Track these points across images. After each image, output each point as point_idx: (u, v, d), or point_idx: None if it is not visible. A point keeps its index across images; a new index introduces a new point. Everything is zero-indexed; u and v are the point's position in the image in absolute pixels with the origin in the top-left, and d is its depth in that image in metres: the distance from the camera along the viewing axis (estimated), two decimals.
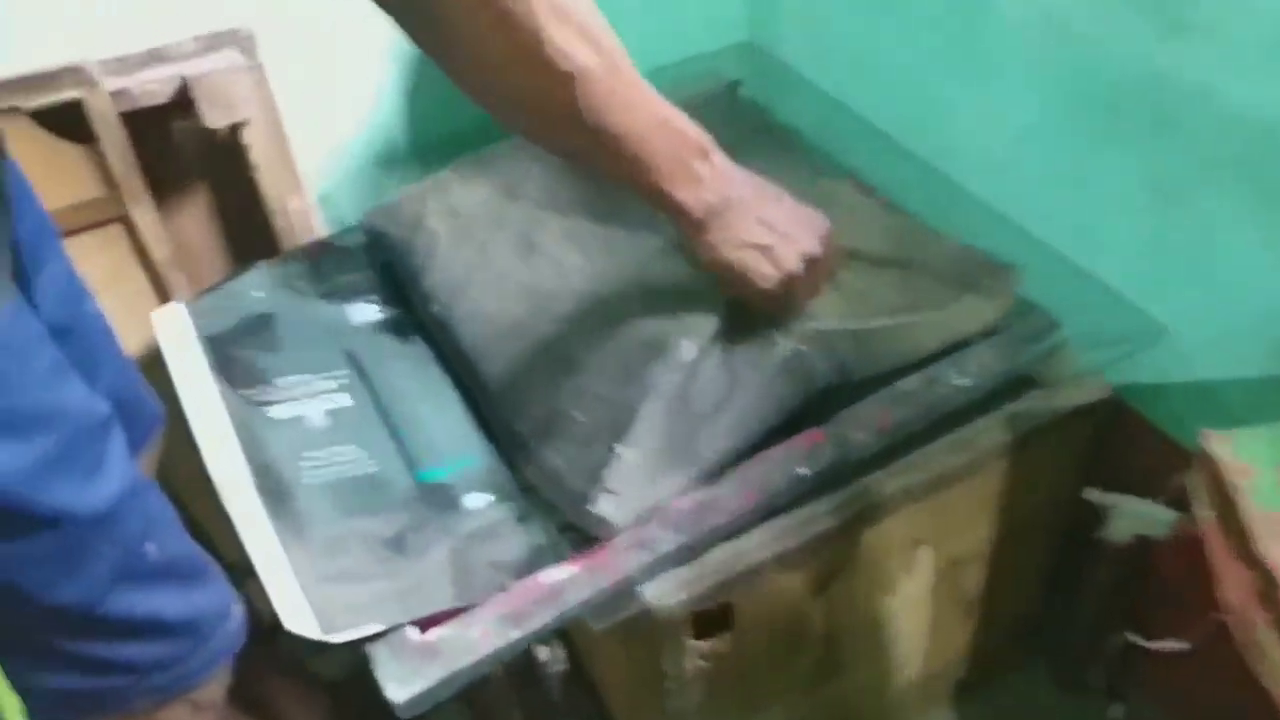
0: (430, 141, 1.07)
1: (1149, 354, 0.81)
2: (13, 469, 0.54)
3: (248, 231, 0.98)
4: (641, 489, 0.66)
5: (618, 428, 0.67)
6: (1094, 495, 0.85)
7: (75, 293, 0.75)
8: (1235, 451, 0.52)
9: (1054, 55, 0.83)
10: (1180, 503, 0.78)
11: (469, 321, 0.79)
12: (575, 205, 0.86)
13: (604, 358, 0.72)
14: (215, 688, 0.71)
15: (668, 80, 1.07)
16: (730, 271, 0.70)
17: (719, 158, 0.68)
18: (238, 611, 0.71)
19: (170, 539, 0.65)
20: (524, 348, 0.75)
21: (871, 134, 1.04)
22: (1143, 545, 0.84)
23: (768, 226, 0.70)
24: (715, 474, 0.69)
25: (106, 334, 0.77)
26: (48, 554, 0.57)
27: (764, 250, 0.70)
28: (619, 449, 0.66)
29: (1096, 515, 0.85)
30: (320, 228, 1.00)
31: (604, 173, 0.67)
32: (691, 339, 0.71)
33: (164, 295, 0.92)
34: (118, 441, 0.62)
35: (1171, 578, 0.81)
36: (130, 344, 0.95)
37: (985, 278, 0.77)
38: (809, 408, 0.72)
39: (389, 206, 0.88)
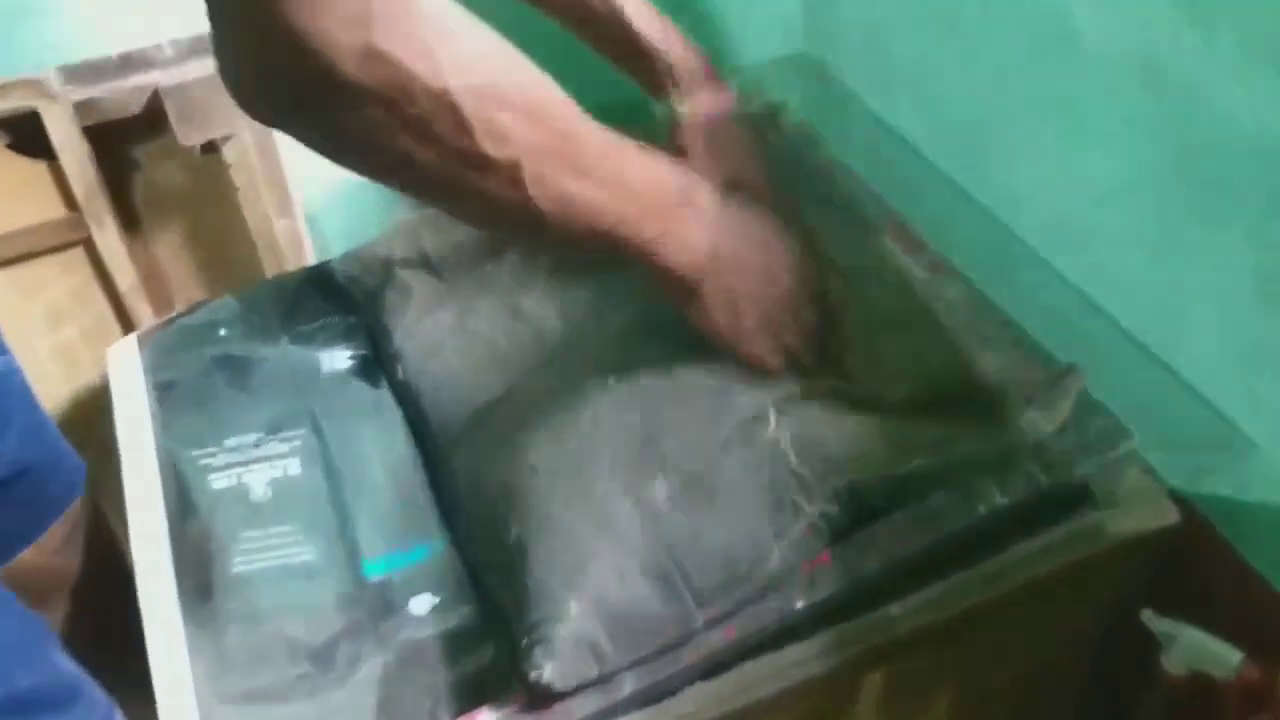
0: None
1: (1235, 472, 0.68)
2: None
3: (229, 256, 0.90)
4: (592, 656, 0.56)
5: (573, 571, 0.57)
6: (1151, 620, 0.74)
7: None
8: None
9: (1151, 107, 0.69)
10: (1249, 641, 0.67)
11: (438, 392, 0.70)
12: (560, 260, 0.75)
13: (573, 475, 0.61)
14: None
15: None
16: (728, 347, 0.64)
17: (705, 198, 0.60)
18: None
19: (33, 665, 0.57)
20: (491, 438, 0.66)
21: (929, 172, 0.92)
22: (1202, 682, 0.72)
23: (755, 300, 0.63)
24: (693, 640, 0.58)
25: (19, 392, 0.70)
26: None
27: (763, 328, 0.63)
28: (571, 602, 0.56)
29: (1154, 637, 0.74)
30: (308, 251, 0.91)
31: (584, 250, 0.57)
32: (672, 476, 0.60)
33: (128, 324, 0.84)
34: None
35: None
36: (91, 373, 0.89)
37: (1044, 388, 0.64)
38: None
39: (360, 253, 0.79)
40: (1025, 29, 0.78)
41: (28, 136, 0.77)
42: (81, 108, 0.78)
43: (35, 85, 0.75)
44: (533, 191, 0.49)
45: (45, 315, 0.83)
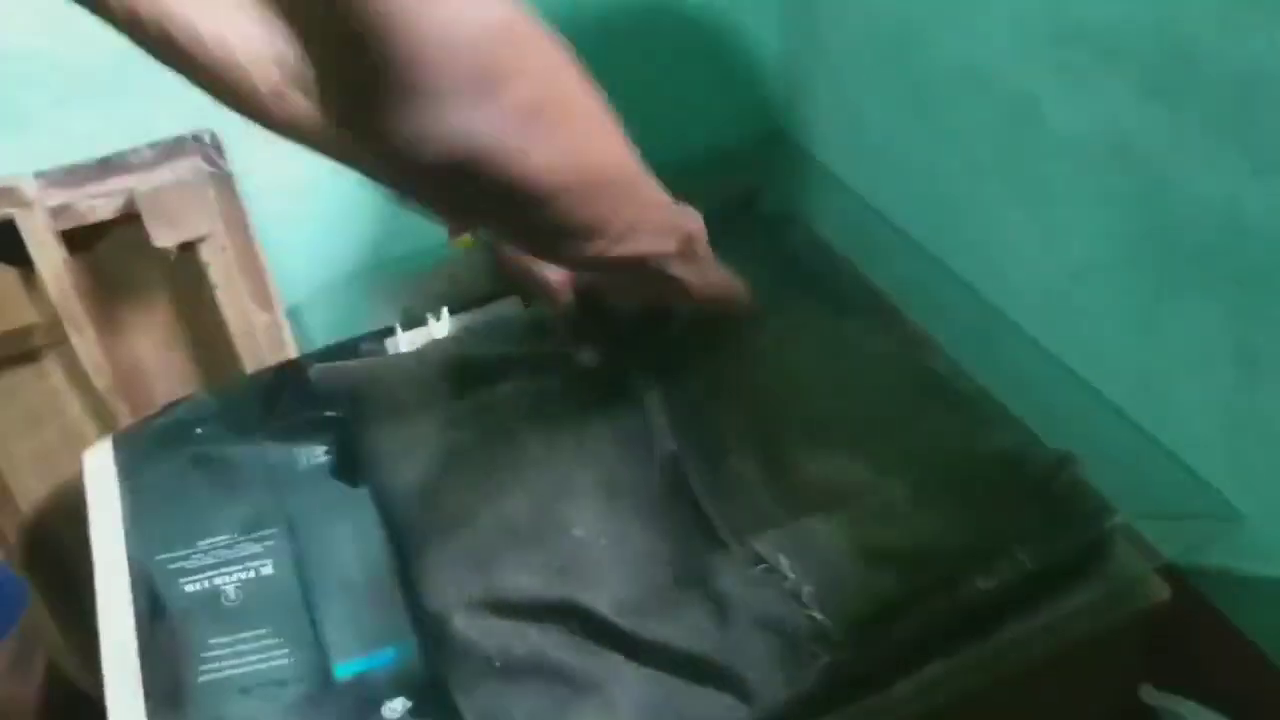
0: (403, 249, 0.98)
1: (1226, 542, 0.67)
2: None
3: (210, 351, 0.90)
4: None
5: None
6: (1150, 695, 0.72)
7: None
8: None
9: (1118, 182, 0.69)
10: (1244, 713, 0.67)
11: (409, 498, 0.69)
12: (549, 398, 0.74)
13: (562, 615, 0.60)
14: None
15: (685, 176, 0.96)
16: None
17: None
18: None
19: None
20: (455, 555, 0.64)
21: (907, 246, 0.92)
22: None
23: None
24: None
25: None
26: None
27: None
28: None
29: (1153, 712, 0.72)
30: (289, 343, 0.91)
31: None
32: (659, 630, 0.59)
33: (107, 424, 0.84)
34: None
35: None
36: (69, 473, 0.88)
37: (1047, 479, 0.63)
38: None
39: (340, 368, 0.78)
40: (994, 110, 0.78)
41: (2, 244, 0.77)
42: (58, 212, 0.78)
43: (9, 194, 0.76)
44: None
45: (24, 419, 0.83)
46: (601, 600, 0.60)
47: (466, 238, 0.71)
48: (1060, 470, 0.64)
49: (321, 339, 0.90)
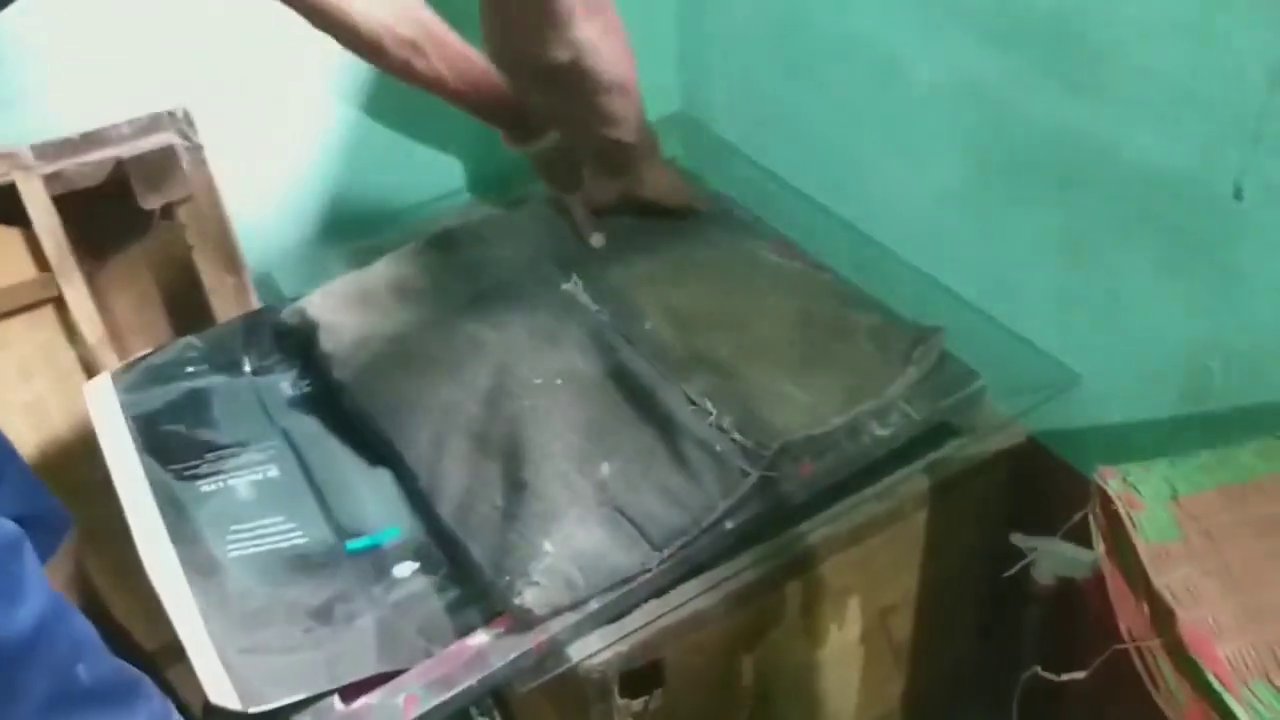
0: (364, 217, 1.09)
1: (1066, 401, 0.83)
2: None
3: (184, 308, 0.99)
4: (565, 586, 0.66)
5: (546, 521, 0.68)
6: (1018, 540, 0.87)
7: None
8: (1126, 486, 0.53)
9: (968, 118, 0.86)
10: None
11: (387, 411, 0.79)
12: (489, 294, 0.87)
13: (537, 457, 0.72)
14: None
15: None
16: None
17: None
18: None
19: (99, 658, 0.63)
20: (440, 431, 0.76)
21: (799, 199, 1.08)
22: (1068, 587, 0.85)
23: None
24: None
25: (6, 450, 0.77)
26: None
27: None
28: (545, 543, 0.66)
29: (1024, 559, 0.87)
30: (255, 304, 1.01)
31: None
32: (617, 458, 0.72)
33: (95, 374, 0.91)
34: (32, 561, 0.60)
35: (1094, 617, 0.82)
36: (61, 425, 0.95)
37: (916, 346, 0.78)
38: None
39: (301, 301, 0.89)
40: (866, 70, 0.95)
41: (1, 205, 0.85)
42: (50, 179, 0.87)
43: (11, 159, 0.84)
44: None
45: (17, 370, 0.90)
46: (567, 432, 0.73)
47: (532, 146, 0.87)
48: (926, 337, 0.79)
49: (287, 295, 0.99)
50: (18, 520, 0.73)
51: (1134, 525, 0.51)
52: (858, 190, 1.02)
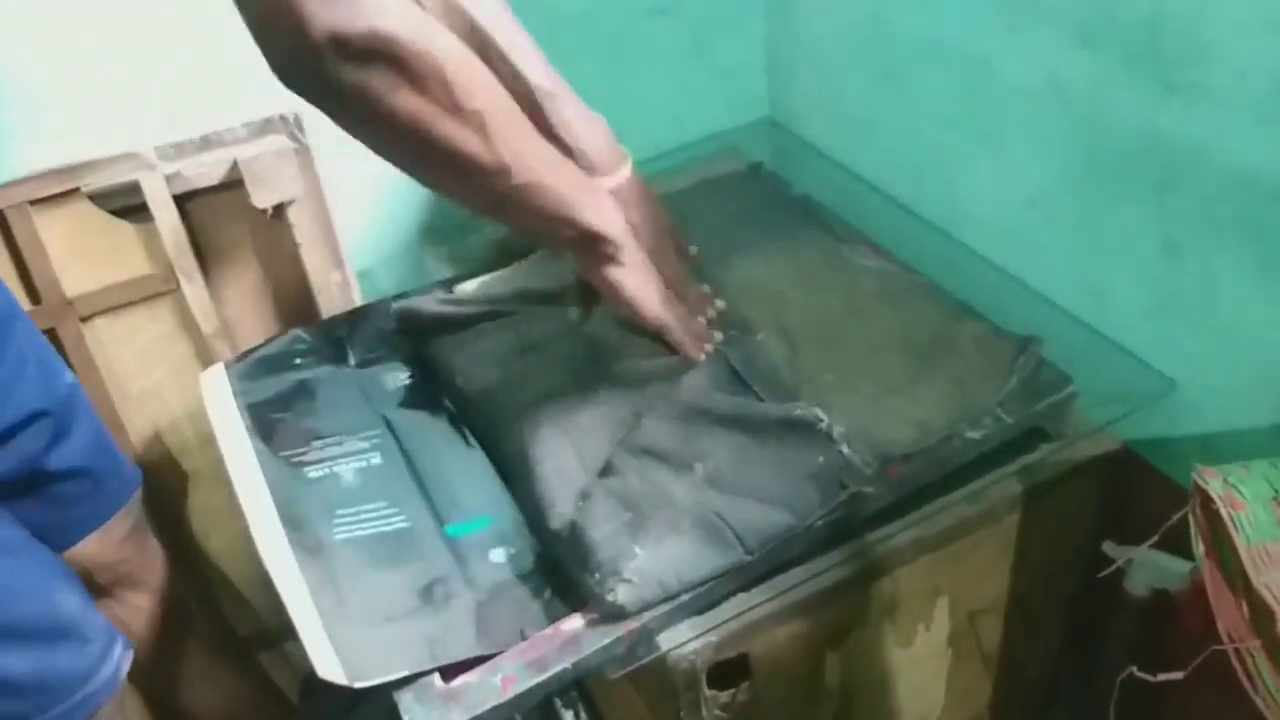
0: (461, 216, 1.12)
1: (1160, 407, 0.82)
2: None
3: (291, 304, 1.03)
4: (657, 584, 0.67)
5: (639, 519, 0.70)
6: (1111, 549, 0.86)
7: (48, 370, 0.82)
8: (1226, 486, 0.53)
9: (1059, 120, 0.86)
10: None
11: (491, 396, 0.82)
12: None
13: (631, 462, 0.74)
14: None
15: (692, 159, 1.12)
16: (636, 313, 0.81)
17: (608, 183, 0.79)
18: (105, 673, 0.76)
19: (22, 602, 0.70)
20: (547, 432, 0.78)
21: (887, 203, 1.08)
22: (1162, 598, 0.84)
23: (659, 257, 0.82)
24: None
25: (81, 404, 0.83)
26: None
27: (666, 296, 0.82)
28: (640, 545, 0.68)
29: (1117, 567, 0.86)
30: (358, 300, 1.05)
31: (532, 218, 0.71)
32: (709, 462, 0.73)
33: (210, 364, 0.96)
34: None
35: (1190, 628, 0.81)
36: (177, 410, 1.01)
37: (1019, 356, 0.79)
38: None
39: (415, 303, 0.92)
40: (954, 73, 0.95)
41: (125, 204, 0.90)
42: (171, 179, 0.92)
43: (136, 159, 0.89)
44: (494, 142, 0.63)
45: (137, 360, 0.96)
46: (664, 437, 0.75)
47: None
48: (1026, 347, 0.79)
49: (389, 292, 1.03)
50: (87, 472, 0.79)
51: (1234, 525, 0.51)
52: (945, 193, 1.02)
